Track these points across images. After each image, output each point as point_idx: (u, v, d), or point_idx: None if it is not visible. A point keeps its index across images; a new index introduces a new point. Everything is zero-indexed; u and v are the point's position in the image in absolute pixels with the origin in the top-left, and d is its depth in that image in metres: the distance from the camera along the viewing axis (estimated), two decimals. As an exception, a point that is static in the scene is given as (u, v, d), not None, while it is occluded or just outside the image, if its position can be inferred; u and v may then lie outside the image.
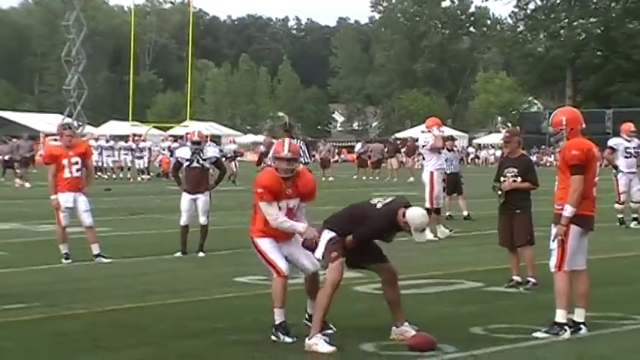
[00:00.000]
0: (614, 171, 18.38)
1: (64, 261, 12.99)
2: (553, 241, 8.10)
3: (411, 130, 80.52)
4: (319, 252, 7.92)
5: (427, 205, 16.19)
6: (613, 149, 18.26)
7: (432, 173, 16.53)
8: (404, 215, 7.69)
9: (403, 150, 51.00)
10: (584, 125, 8.26)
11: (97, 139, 42.09)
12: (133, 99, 69.51)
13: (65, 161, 12.99)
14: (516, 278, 10.72)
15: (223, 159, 17.96)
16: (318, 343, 7.59)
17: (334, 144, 75.36)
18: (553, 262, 8.13)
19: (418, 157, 37.21)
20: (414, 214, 7.70)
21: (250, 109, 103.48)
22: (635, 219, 18.20)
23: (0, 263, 12.80)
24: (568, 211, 7.96)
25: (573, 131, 8.17)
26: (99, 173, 37.72)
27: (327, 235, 7.93)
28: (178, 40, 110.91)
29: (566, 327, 8.02)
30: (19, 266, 12.58)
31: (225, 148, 41.96)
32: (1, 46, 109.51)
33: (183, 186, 14.15)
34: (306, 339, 7.67)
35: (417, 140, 30.09)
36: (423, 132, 17.98)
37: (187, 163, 14.06)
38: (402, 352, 7.50)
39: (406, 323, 7.91)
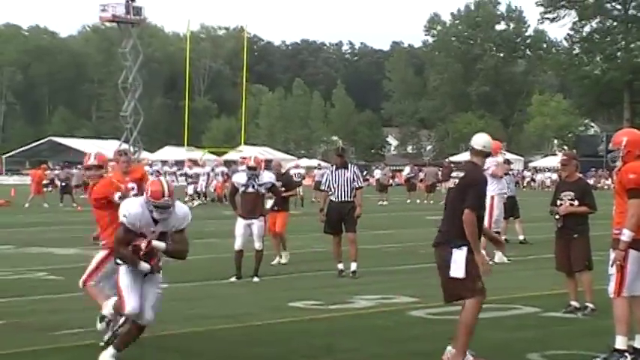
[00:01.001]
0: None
1: (120, 286, 13.08)
2: (611, 266, 7.98)
3: (466, 153, 79.91)
4: (460, 272, 7.66)
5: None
6: None
7: (492, 197, 16.40)
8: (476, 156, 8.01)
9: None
10: None
11: (151, 165, 42.52)
12: (188, 124, 70.15)
13: (122, 187, 13.09)
14: (574, 303, 10.57)
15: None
16: None
17: (391, 168, 75.28)
18: (612, 287, 8.01)
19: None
20: (477, 138, 8.08)
21: (304, 133, 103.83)
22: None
23: (58, 288, 12.92)
24: (626, 235, 7.84)
25: (630, 154, 8.04)
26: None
27: (460, 253, 7.66)
28: (232, 66, 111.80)
29: (626, 354, 7.88)
30: (77, 291, 12.68)
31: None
32: (60, 74, 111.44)
33: (238, 211, 14.20)
34: None
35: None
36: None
37: (243, 188, 14.12)
38: (458, 379, 7.42)
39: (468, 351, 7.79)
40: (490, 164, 16.49)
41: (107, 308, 8.55)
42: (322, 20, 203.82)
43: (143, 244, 7.72)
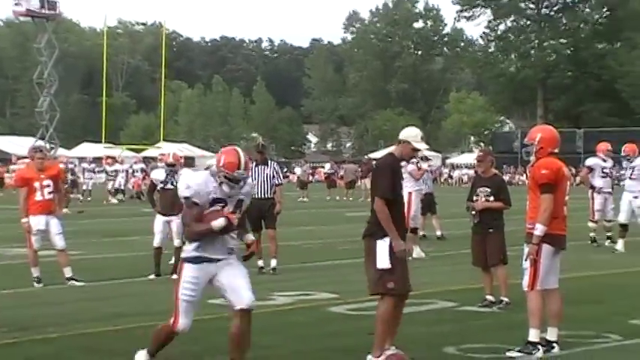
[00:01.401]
0: (589, 190, 18.48)
1: (35, 285, 12.90)
2: (525, 260, 8.14)
3: (385, 150, 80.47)
4: (385, 262, 7.61)
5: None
6: (590, 169, 18.40)
7: (410, 194, 16.63)
8: (399, 144, 7.86)
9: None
10: (556, 150, 8.30)
11: (66, 163, 41.99)
12: (105, 121, 69.32)
13: (37, 184, 12.92)
14: (490, 298, 10.74)
15: None
16: None
17: (311, 164, 75.45)
18: (526, 281, 8.17)
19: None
20: (406, 130, 7.94)
21: (224, 130, 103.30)
22: (608, 237, 18.31)
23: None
24: (539, 230, 8.01)
25: (542, 150, 8.22)
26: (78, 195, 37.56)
27: (383, 244, 7.65)
28: (151, 62, 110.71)
29: (539, 346, 8.05)
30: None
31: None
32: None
33: (157, 208, 14.11)
34: (369, 356, 7.66)
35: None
36: None
37: (161, 185, 14.03)
38: (376, 373, 7.48)
39: (393, 347, 7.87)
40: (411, 162, 16.77)
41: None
42: (242, 17, 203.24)
43: (234, 217, 6.89)
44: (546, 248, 8.09)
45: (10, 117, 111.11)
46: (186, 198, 7.00)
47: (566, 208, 8.30)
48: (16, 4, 71.59)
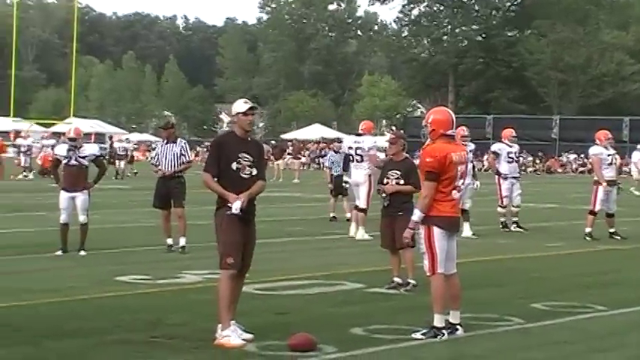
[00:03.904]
0: (496, 176, 18.73)
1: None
2: (422, 244, 8.23)
3: (298, 131, 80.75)
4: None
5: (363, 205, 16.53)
6: (496, 154, 18.64)
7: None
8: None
9: (288, 151, 51.31)
10: (450, 132, 8.29)
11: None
12: (14, 94, 67.92)
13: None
14: (397, 280, 10.86)
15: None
16: (230, 335, 7.70)
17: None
18: (426, 265, 8.23)
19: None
20: (233, 106, 8.65)
21: (136, 107, 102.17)
22: (515, 222, 18.61)
23: None
24: (416, 215, 8.11)
25: (434, 132, 8.27)
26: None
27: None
28: (63, 36, 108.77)
29: (443, 331, 8.10)
30: None
31: (116, 145, 42.39)
32: None
33: (61, 184, 13.86)
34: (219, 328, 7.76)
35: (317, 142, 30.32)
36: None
37: (65, 160, 13.78)
38: (283, 353, 7.52)
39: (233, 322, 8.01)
40: (376, 143, 17.43)
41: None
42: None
43: None
44: (438, 232, 8.15)
45: None
46: None
47: (456, 192, 8.29)
48: None
